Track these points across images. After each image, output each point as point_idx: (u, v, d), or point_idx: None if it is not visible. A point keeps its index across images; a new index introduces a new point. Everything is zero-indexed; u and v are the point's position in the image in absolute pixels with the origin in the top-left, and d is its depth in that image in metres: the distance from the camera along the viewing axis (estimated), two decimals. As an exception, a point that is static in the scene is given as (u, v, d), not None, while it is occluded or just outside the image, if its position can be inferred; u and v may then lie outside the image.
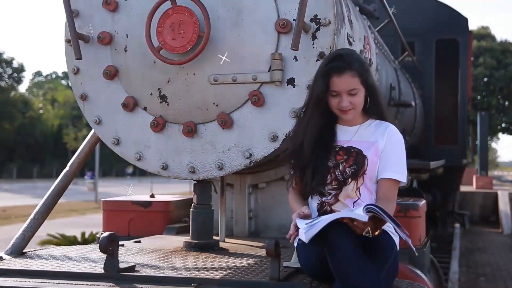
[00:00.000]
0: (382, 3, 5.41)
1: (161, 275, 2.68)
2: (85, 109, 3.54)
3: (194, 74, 3.23)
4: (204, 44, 3.08)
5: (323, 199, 2.54)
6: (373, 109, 2.62)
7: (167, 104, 3.32)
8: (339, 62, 2.49)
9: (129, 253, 3.24)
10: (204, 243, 3.39)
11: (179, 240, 3.61)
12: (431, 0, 9.32)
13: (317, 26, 3.07)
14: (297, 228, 2.34)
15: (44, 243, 8.45)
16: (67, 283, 2.61)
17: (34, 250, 3.38)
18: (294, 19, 3.02)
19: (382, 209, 2.24)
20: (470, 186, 18.68)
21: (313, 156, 2.53)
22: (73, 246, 3.68)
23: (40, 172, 48.99)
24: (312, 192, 2.55)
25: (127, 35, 3.38)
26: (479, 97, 35.37)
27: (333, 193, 2.53)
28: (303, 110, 2.62)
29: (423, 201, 3.73)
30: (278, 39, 3.12)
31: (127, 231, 4.24)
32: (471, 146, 28.52)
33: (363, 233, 2.27)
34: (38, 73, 73.31)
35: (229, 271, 2.78)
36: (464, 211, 14.03)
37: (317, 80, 2.55)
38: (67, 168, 3.68)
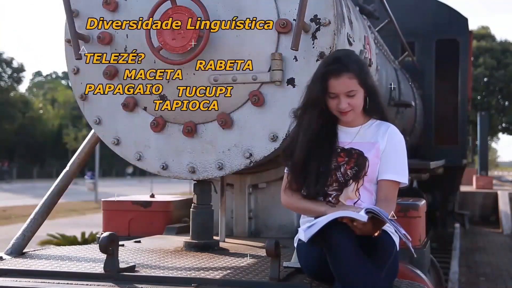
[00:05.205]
0: (382, 3, 5.41)
1: (161, 275, 2.68)
2: (85, 109, 3.54)
3: (194, 74, 3.23)
4: (204, 44, 3.09)
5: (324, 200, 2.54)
6: (374, 109, 2.62)
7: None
8: (336, 64, 2.49)
9: (129, 253, 3.24)
10: (204, 243, 3.39)
11: (179, 240, 3.61)
12: (431, 0, 9.32)
13: (317, 26, 3.07)
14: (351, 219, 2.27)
15: (44, 243, 8.44)
16: (67, 283, 2.61)
17: (34, 250, 3.39)
18: (294, 19, 3.02)
19: (382, 212, 2.25)
20: (470, 186, 18.67)
21: (314, 158, 2.52)
22: (73, 246, 3.68)
23: (40, 172, 48.96)
24: (316, 195, 2.52)
25: (127, 35, 3.38)
26: (479, 97, 35.38)
27: (334, 194, 2.52)
28: (300, 112, 2.61)
29: (423, 201, 3.73)
30: (278, 39, 3.12)
31: (127, 231, 4.24)
32: (471, 146, 28.54)
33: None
34: (38, 73, 73.34)
35: (229, 271, 2.78)
36: (464, 211, 14.04)
37: (314, 82, 2.55)
38: (67, 168, 3.68)
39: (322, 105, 2.53)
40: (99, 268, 2.78)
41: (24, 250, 3.31)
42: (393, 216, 2.40)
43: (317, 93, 2.51)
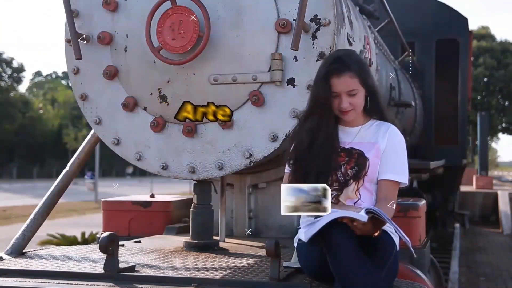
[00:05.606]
0: (382, 3, 5.41)
1: (161, 275, 2.68)
2: (85, 109, 3.54)
3: (194, 74, 3.23)
4: (204, 44, 3.08)
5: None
6: (374, 109, 2.62)
7: (167, 104, 3.32)
8: (337, 64, 2.50)
9: (129, 253, 3.24)
10: (204, 243, 3.39)
11: (179, 240, 3.61)
12: (431, 0, 9.32)
13: (317, 26, 3.07)
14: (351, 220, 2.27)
15: (44, 243, 8.44)
16: (67, 283, 2.61)
17: (34, 250, 3.38)
18: (294, 19, 3.02)
19: (382, 212, 2.25)
20: (470, 186, 18.68)
21: (316, 158, 2.52)
22: (73, 246, 3.68)
23: (40, 172, 48.94)
24: None
25: (127, 35, 3.38)
26: (479, 97, 35.38)
27: (334, 194, 2.52)
28: (306, 114, 2.60)
29: (423, 201, 3.73)
30: (278, 39, 3.12)
31: (127, 231, 4.24)
32: (471, 146, 28.54)
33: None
34: (38, 73, 73.31)
35: (229, 271, 2.78)
36: (464, 211, 14.04)
37: (318, 83, 2.55)
38: (67, 168, 3.68)
39: (330, 105, 2.53)
40: (99, 268, 2.78)
41: (24, 250, 3.31)
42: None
43: (322, 93, 2.51)
